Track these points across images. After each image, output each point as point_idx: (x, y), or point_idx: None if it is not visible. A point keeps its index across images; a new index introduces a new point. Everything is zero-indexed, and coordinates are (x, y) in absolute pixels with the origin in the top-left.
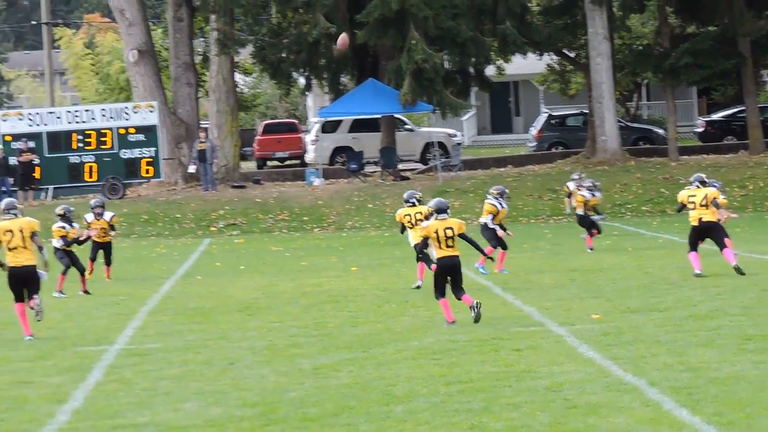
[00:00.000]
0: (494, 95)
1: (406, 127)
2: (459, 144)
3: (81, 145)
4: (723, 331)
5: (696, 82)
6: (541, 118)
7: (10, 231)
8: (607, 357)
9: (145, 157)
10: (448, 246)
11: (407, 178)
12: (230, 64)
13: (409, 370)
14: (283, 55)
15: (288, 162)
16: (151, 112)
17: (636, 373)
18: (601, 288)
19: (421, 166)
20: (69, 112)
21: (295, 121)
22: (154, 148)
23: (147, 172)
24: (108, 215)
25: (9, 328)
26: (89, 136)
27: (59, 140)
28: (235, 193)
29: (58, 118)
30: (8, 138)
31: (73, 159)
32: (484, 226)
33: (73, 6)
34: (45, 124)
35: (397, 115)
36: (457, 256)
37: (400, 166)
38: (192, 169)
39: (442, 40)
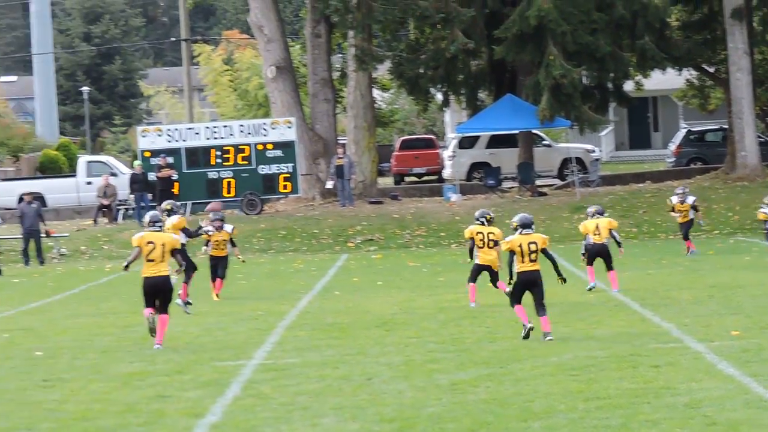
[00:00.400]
0: (633, 110)
1: (544, 142)
2: (597, 159)
3: (219, 160)
4: None
5: None
6: (680, 134)
7: (152, 243)
8: (747, 374)
9: (282, 173)
10: (531, 260)
11: (545, 194)
12: (368, 80)
13: (547, 386)
14: (421, 70)
15: (425, 178)
16: (289, 128)
17: None
18: (741, 304)
19: (558, 182)
20: (207, 128)
21: (433, 136)
22: (292, 164)
23: (285, 187)
24: (228, 227)
25: (147, 342)
26: (227, 151)
27: (198, 156)
28: (373, 209)
29: (197, 134)
30: (147, 154)
31: (212, 174)
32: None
33: (211, 23)
34: (184, 140)
35: (534, 131)
36: (538, 271)
37: (538, 182)
38: (330, 184)
39: (581, 55)
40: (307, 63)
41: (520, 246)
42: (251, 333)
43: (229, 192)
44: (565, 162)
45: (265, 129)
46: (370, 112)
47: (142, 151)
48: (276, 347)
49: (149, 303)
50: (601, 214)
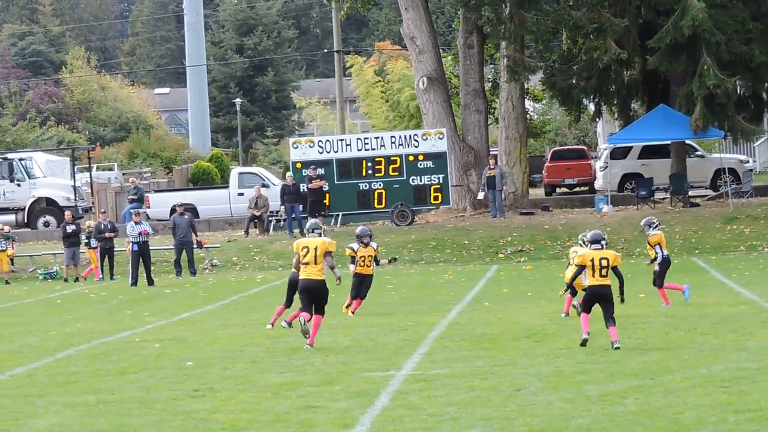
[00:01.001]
0: None
1: (697, 153)
2: (751, 170)
3: (370, 171)
4: None
5: None
6: None
7: (306, 247)
8: None
9: (433, 184)
10: (601, 275)
11: (697, 205)
12: (520, 91)
13: (697, 397)
14: (573, 81)
15: (577, 188)
16: (441, 138)
17: None
18: None
19: (711, 193)
20: (359, 139)
21: (584, 147)
22: (443, 175)
23: (435, 198)
24: (374, 244)
25: (297, 353)
26: (379, 163)
27: (349, 167)
28: (523, 220)
29: (348, 145)
30: (299, 165)
31: (363, 186)
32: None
33: (364, 34)
34: (335, 151)
35: (687, 141)
36: (609, 286)
37: (690, 193)
38: (481, 195)
39: (735, 64)
40: (459, 74)
41: (592, 260)
42: (401, 343)
43: (380, 203)
44: (718, 173)
45: (416, 140)
46: (522, 122)
47: (294, 163)
48: (425, 358)
49: (305, 306)
50: None
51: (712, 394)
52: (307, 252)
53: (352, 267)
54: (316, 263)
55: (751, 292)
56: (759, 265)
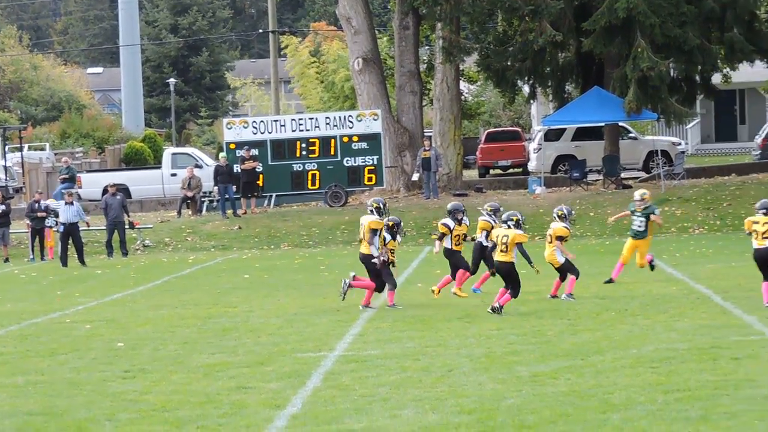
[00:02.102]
0: (719, 103)
1: (630, 135)
2: (683, 152)
3: (304, 153)
4: None
5: None
6: (767, 126)
7: (361, 224)
8: None
9: (368, 165)
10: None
11: (629, 187)
12: (455, 72)
13: (627, 378)
14: (508, 63)
15: (510, 170)
16: (375, 120)
17: None
18: None
19: (644, 175)
20: (293, 120)
21: (518, 129)
22: (377, 156)
23: (369, 180)
24: (466, 220)
25: (229, 334)
26: (313, 144)
27: (283, 148)
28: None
29: (283, 126)
30: (232, 146)
31: (297, 167)
32: (479, 245)
33: (299, 14)
34: (269, 132)
35: (620, 124)
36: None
37: (623, 175)
38: (416, 177)
39: (669, 47)
40: (395, 55)
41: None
42: (333, 325)
43: (313, 184)
44: (651, 155)
45: (350, 121)
46: (457, 104)
47: (227, 143)
48: (357, 339)
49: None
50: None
51: (641, 375)
52: (361, 228)
53: (437, 244)
54: (363, 239)
55: (682, 273)
56: (689, 246)
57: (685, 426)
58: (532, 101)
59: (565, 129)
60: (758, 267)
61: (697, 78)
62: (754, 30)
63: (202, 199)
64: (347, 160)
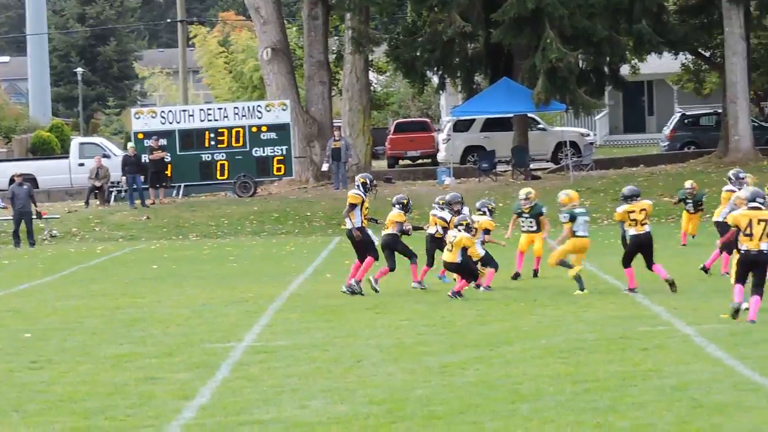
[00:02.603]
0: (628, 94)
1: (539, 126)
2: (591, 143)
3: (213, 143)
4: None
5: None
6: (675, 118)
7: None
8: (735, 357)
9: (276, 156)
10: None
11: (538, 178)
12: (364, 63)
13: (536, 368)
14: (417, 53)
15: (419, 161)
16: (284, 110)
17: (764, 373)
18: (729, 288)
19: (552, 166)
20: (202, 110)
21: (428, 120)
22: (286, 147)
23: (278, 170)
24: (466, 210)
25: (137, 325)
26: (222, 134)
27: (191, 138)
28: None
29: (191, 116)
30: (140, 136)
31: (205, 157)
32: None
33: (208, 4)
34: (178, 122)
35: (529, 115)
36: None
37: (532, 166)
38: (325, 167)
39: (577, 39)
40: (304, 45)
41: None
42: (241, 315)
43: (222, 174)
44: (560, 146)
45: (259, 111)
46: (366, 95)
47: (136, 133)
48: (266, 329)
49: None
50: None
51: (550, 365)
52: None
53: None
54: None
55: (590, 263)
56: (598, 237)
57: (594, 416)
58: (441, 92)
59: (474, 120)
60: (639, 252)
61: (606, 69)
62: (662, 22)
63: (110, 189)
64: (256, 151)
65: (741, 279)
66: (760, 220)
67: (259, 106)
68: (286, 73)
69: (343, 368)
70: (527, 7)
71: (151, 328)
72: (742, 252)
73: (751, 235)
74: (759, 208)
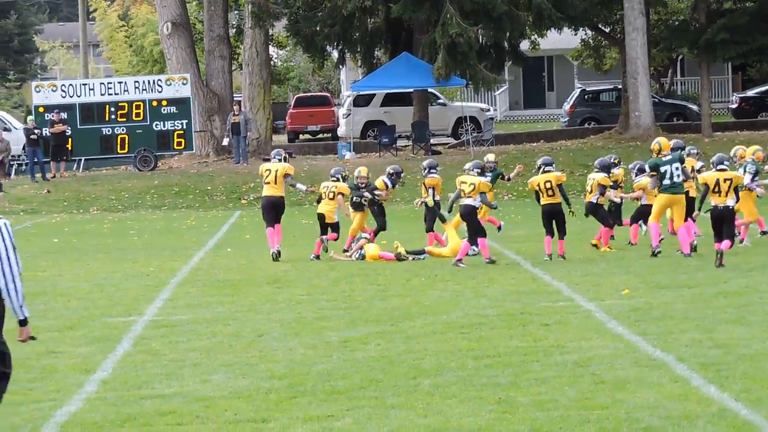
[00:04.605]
0: (528, 70)
1: (439, 101)
2: (491, 119)
3: (113, 117)
4: (753, 308)
5: (732, 58)
6: (575, 93)
7: (269, 170)
8: (636, 333)
9: (177, 130)
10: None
11: (439, 152)
12: (264, 37)
13: (437, 344)
14: (318, 28)
15: (320, 135)
16: (184, 84)
17: (664, 349)
18: (631, 264)
19: (452, 141)
20: (102, 84)
21: (328, 94)
22: (187, 121)
23: (179, 144)
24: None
25: (38, 298)
26: (122, 108)
27: (92, 112)
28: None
29: (91, 89)
30: (41, 109)
31: (106, 131)
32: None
33: None
34: (78, 96)
35: (429, 90)
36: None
37: (432, 141)
38: (225, 141)
39: (477, 14)
40: (204, 20)
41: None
42: (142, 289)
43: (123, 148)
44: (460, 121)
45: (160, 85)
46: (266, 69)
47: (36, 107)
48: (167, 303)
49: (268, 221)
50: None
51: (451, 340)
52: (269, 173)
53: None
54: (276, 183)
55: (491, 239)
56: (498, 213)
57: (495, 392)
58: (341, 67)
59: (374, 95)
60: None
61: (506, 45)
62: None
63: (11, 163)
64: (156, 125)
65: (718, 234)
66: (725, 179)
67: (159, 80)
68: (187, 47)
69: (245, 343)
70: None
71: (52, 302)
72: (712, 207)
73: (719, 192)
74: (724, 170)
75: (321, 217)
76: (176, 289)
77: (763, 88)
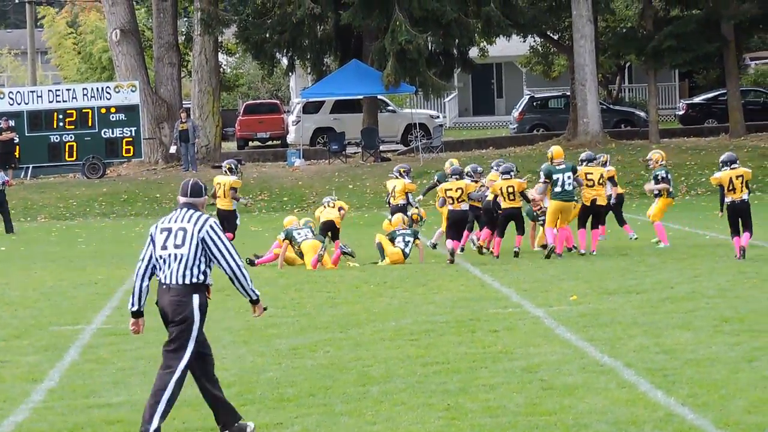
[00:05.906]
0: (477, 77)
1: (389, 108)
2: (440, 125)
3: (62, 124)
4: (699, 313)
5: (679, 65)
6: (524, 100)
7: (219, 183)
8: (584, 338)
9: (125, 137)
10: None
11: (388, 159)
12: (214, 44)
13: (386, 350)
14: (267, 35)
15: (269, 143)
16: (133, 91)
17: (612, 355)
18: (579, 270)
19: (402, 148)
20: (50, 91)
21: (277, 102)
22: (135, 128)
23: (127, 151)
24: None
25: None
26: (70, 115)
27: (40, 119)
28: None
29: (39, 97)
30: None
31: (54, 138)
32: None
33: None
34: (26, 103)
35: (379, 96)
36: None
37: (381, 148)
38: (173, 149)
39: (426, 21)
40: (153, 26)
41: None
42: (90, 297)
43: (71, 156)
44: (409, 127)
45: (108, 92)
46: (215, 76)
47: None
48: (115, 312)
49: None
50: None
51: (401, 347)
52: (220, 187)
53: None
54: (225, 196)
55: (440, 246)
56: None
57: (444, 398)
58: (290, 74)
59: (324, 102)
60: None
61: (455, 52)
62: (511, 4)
63: None
64: (105, 132)
65: (734, 228)
66: (737, 176)
67: (108, 87)
68: (135, 54)
69: None
70: None
71: None
72: (728, 203)
73: (734, 189)
74: (735, 169)
75: (328, 224)
76: (124, 297)
77: (709, 95)
